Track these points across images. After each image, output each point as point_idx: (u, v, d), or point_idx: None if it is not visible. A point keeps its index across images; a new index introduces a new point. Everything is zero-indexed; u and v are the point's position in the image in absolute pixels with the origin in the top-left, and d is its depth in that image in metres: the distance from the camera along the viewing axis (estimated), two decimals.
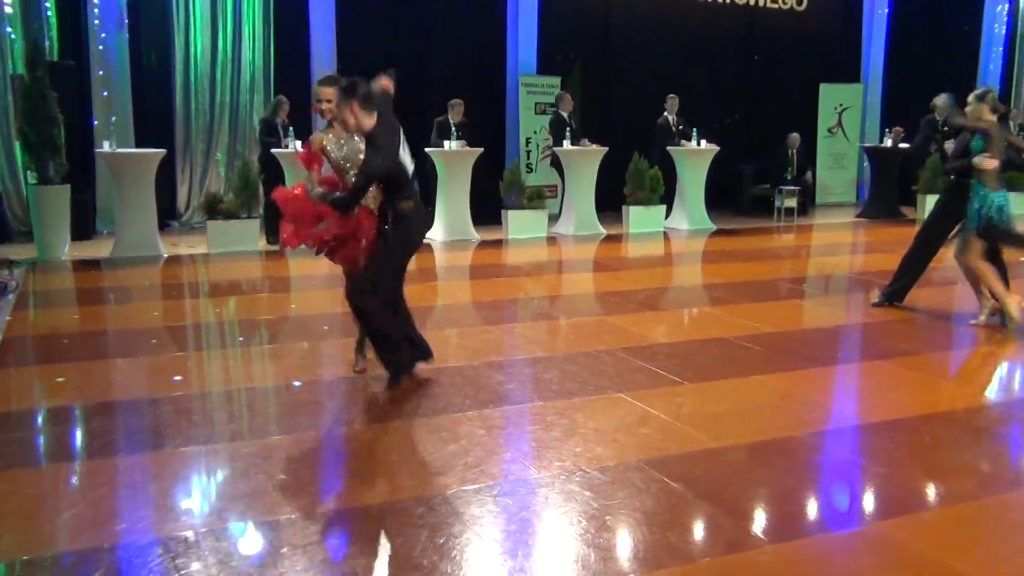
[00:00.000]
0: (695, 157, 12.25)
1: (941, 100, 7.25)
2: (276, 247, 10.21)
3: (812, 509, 3.54)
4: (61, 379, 5.15)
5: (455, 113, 11.18)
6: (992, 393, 5.19)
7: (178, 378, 5.15)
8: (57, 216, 9.36)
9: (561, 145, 11.61)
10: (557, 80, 13.34)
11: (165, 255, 9.57)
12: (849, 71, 16.08)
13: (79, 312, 7.13)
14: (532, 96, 13.31)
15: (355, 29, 12.08)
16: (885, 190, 13.89)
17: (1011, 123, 15.01)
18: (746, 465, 3.92)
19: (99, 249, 9.88)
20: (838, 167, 15.74)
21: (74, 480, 3.75)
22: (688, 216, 12.32)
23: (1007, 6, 16.66)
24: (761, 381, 5.14)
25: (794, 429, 4.35)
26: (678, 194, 12.47)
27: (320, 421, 4.52)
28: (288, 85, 11.71)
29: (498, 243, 10.85)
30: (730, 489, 3.64)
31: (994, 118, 6.22)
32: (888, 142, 13.87)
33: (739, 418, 4.52)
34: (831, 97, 15.57)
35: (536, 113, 13.32)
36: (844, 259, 10.31)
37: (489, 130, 12.78)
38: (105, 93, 11.01)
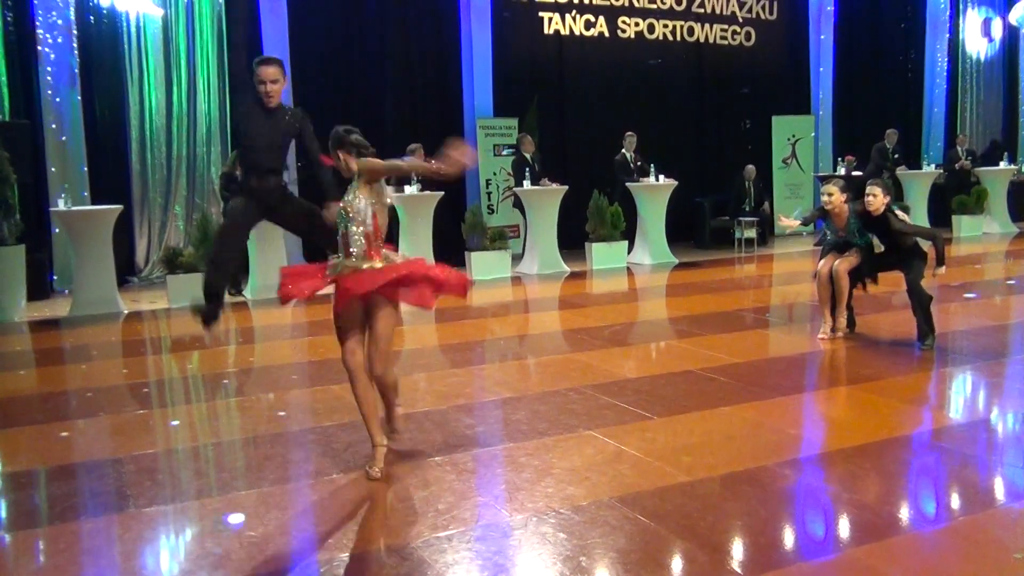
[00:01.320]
0: (654, 192, 12.38)
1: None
2: (238, 297, 10.13)
3: (787, 539, 3.53)
4: (19, 443, 5.03)
5: (415, 158, 11.16)
6: (955, 414, 5.25)
7: (142, 429, 5.05)
8: (12, 277, 9.21)
9: (522, 185, 11.68)
10: (514, 121, 13.47)
11: (125, 311, 9.44)
12: (800, 103, 16.42)
13: (37, 373, 6.99)
14: (490, 138, 13.42)
15: (310, 79, 12.13)
16: None
17: (959, 148, 15.40)
18: (719, 497, 3.91)
19: (57, 308, 9.73)
20: (794, 197, 15.98)
21: (35, 547, 3.64)
22: (650, 251, 12.41)
23: (947, 36, 17.16)
24: (730, 412, 5.15)
25: (765, 459, 4.35)
26: (639, 229, 12.58)
27: (288, 473, 4.45)
28: None
29: None
30: (704, 523, 3.62)
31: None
32: (841, 170, 14.14)
33: (710, 450, 4.52)
34: (784, 129, 15.86)
35: (495, 155, 13.42)
36: (805, 287, 10.40)
37: None
38: (57, 152, 10.92)
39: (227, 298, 10.01)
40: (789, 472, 4.24)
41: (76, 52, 10.95)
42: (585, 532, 3.56)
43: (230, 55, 11.32)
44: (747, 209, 13.88)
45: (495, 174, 13.42)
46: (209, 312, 5.53)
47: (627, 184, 12.45)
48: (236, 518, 3.83)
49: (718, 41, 15.49)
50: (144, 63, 11.52)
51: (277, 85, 5.15)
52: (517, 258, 12.12)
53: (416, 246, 10.92)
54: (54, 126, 10.87)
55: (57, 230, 10.63)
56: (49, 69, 10.85)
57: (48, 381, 6.66)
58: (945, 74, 17.15)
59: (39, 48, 10.77)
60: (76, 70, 10.96)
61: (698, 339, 7.20)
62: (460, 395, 5.76)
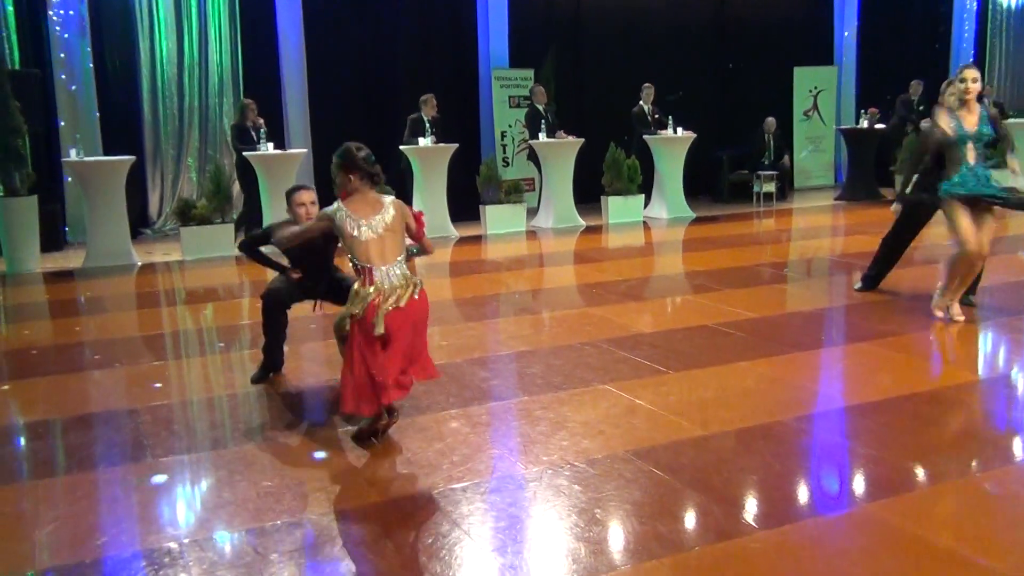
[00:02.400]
0: (672, 145, 12.27)
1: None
2: None
3: (801, 493, 3.56)
4: (36, 394, 5.11)
5: (428, 108, 11.14)
6: (974, 371, 5.24)
7: (157, 386, 5.11)
8: (26, 228, 9.28)
9: (537, 138, 11.60)
10: (530, 72, 13.33)
11: (139, 263, 9.50)
12: (822, 53, 16.17)
13: (52, 325, 7.07)
14: (505, 89, 13.30)
15: (323, 27, 12.04)
16: (863, 172, 13.98)
17: (985, 100, 15.16)
18: (734, 452, 3.93)
19: (71, 260, 9.80)
20: (816, 150, 15.81)
21: (53, 496, 3.72)
22: (667, 205, 12.35)
23: None
24: (746, 367, 5.16)
25: (780, 414, 4.37)
26: (656, 183, 12.50)
27: (303, 425, 4.50)
28: (257, 86, 11.68)
29: (477, 239, 10.84)
30: (719, 477, 3.65)
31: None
32: (864, 123, 13.96)
33: (725, 405, 4.54)
34: (805, 80, 15.64)
35: (510, 107, 13.32)
36: (825, 242, 10.37)
37: (463, 125, 12.77)
38: (70, 99, 10.91)
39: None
40: (804, 427, 4.26)
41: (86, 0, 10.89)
42: (600, 485, 3.60)
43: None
44: (766, 163, 13.76)
45: (510, 126, 13.33)
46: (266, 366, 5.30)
47: (644, 137, 12.34)
48: (252, 468, 3.89)
49: None
50: (155, 11, 11.44)
51: (315, 206, 4.95)
52: (532, 212, 12.08)
53: (431, 199, 10.91)
54: (63, 75, 10.85)
55: (69, 179, 10.66)
56: (58, 18, 10.78)
57: (63, 333, 6.73)
58: (974, 23, 16.81)
59: None
60: (86, 18, 10.90)
61: (715, 294, 7.19)
62: (475, 349, 5.79)
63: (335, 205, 4.20)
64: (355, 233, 4.10)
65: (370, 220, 4.12)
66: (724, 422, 4.28)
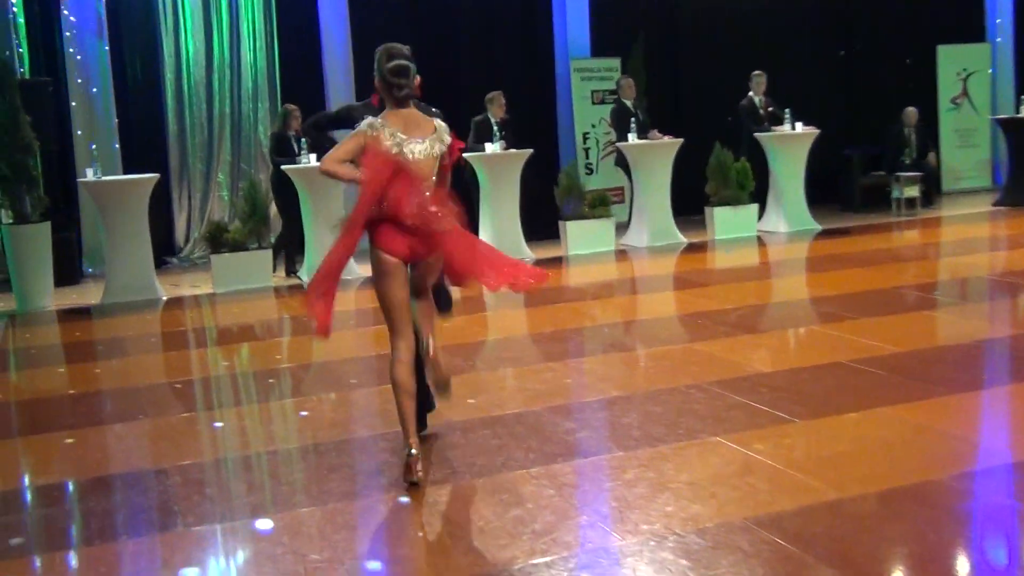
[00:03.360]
0: (790, 144, 12.14)
1: None
2: (292, 279, 10.34)
3: (961, 569, 3.46)
4: (50, 451, 5.26)
5: (496, 108, 11.24)
6: None
7: (189, 434, 5.23)
8: (37, 259, 9.57)
9: (626, 139, 11.61)
10: (616, 62, 13.36)
11: (164, 298, 9.74)
12: (972, 28, 15.84)
13: (68, 371, 7.29)
14: (587, 83, 13.35)
15: (372, 20, 12.23)
16: None
17: None
18: (877, 518, 3.84)
19: (87, 295, 10.11)
20: (967, 145, 15.47)
21: (71, 572, 3.81)
22: (786, 215, 12.20)
23: None
24: (888, 413, 5.05)
25: (933, 471, 4.26)
26: (772, 190, 12.37)
27: (356, 487, 4.54)
28: (297, 90, 11.90)
29: (556, 261, 10.85)
30: (859, 549, 3.57)
31: None
32: None
33: (864, 460, 4.44)
34: (952, 61, 15.33)
35: (593, 103, 13.35)
36: (982, 258, 10.10)
37: (538, 127, 12.84)
38: (86, 109, 11.29)
39: (279, 281, 10.26)
40: (963, 487, 4.13)
41: None
42: (713, 560, 3.54)
43: None
44: (907, 162, 13.51)
45: (594, 126, 13.37)
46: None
47: (756, 134, 12.24)
48: (297, 538, 3.93)
49: None
50: (180, 7, 11.81)
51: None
52: (622, 227, 12.06)
53: (500, 215, 10.97)
54: (79, 80, 11.23)
55: (86, 205, 10.99)
56: (72, 19, 11.16)
57: (80, 379, 6.92)
58: None
59: None
60: (103, 17, 11.29)
61: (848, 324, 7.06)
62: (557, 394, 5.77)
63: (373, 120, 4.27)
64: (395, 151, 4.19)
65: (415, 142, 4.26)
66: (864, 481, 4.19)
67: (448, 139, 4.41)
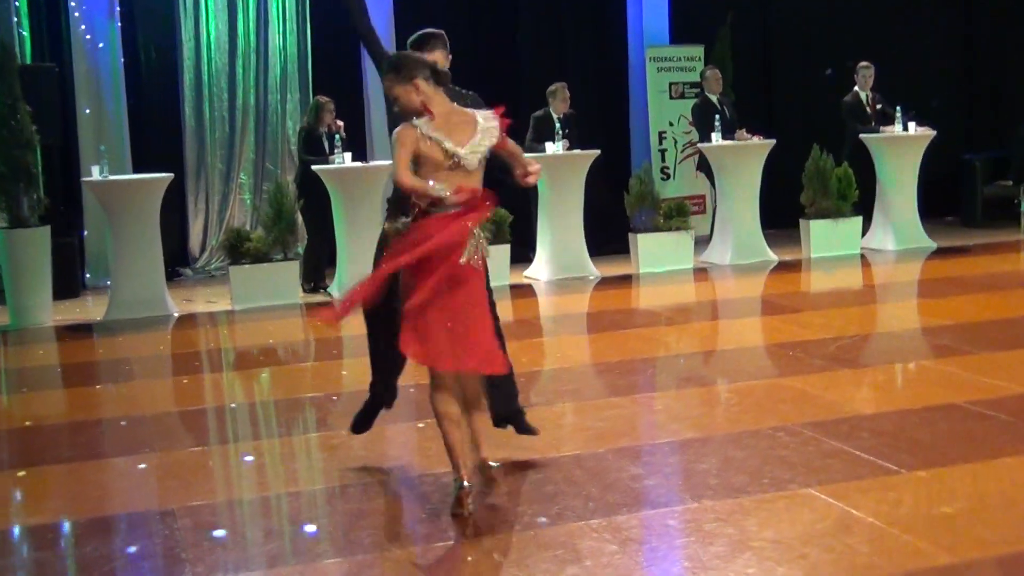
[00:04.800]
0: (901, 147, 12.04)
1: None
2: (320, 296, 10.42)
3: None
4: (44, 487, 5.33)
5: (558, 103, 11.27)
6: None
7: (200, 472, 5.27)
8: (35, 268, 9.70)
9: (709, 140, 11.58)
10: (699, 51, 13.36)
11: (176, 314, 9.85)
12: None
13: (67, 395, 7.40)
14: (665, 74, 13.35)
15: (419, 2, 12.29)
16: None
17: None
18: None
19: (90, 309, 10.25)
20: None
21: None
22: (895, 231, 12.09)
23: None
24: (1013, 465, 4.97)
25: None
26: (879, 200, 12.27)
27: (388, 537, 4.55)
28: (332, 81, 12.00)
29: (626, 280, 10.84)
30: None
31: None
32: None
33: (983, 520, 4.38)
34: None
35: (671, 97, 13.34)
36: None
37: (607, 125, 12.86)
38: (94, 100, 11.47)
39: (306, 297, 10.34)
40: None
41: None
42: None
43: None
44: None
45: (671, 124, 13.35)
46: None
47: (861, 136, 12.15)
48: None
49: None
50: None
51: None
52: (702, 242, 12.02)
53: (561, 225, 10.97)
54: (87, 67, 11.40)
55: (91, 207, 11.15)
56: (74, 4, 11.32)
57: (80, 406, 7.03)
58: None
59: None
60: None
61: (966, 359, 6.97)
62: (623, 434, 5.76)
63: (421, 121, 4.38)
64: (442, 159, 4.33)
65: (464, 143, 4.38)
66: (982, 544, 4.13)
67: (496, 132, 4.48)
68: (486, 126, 4.47)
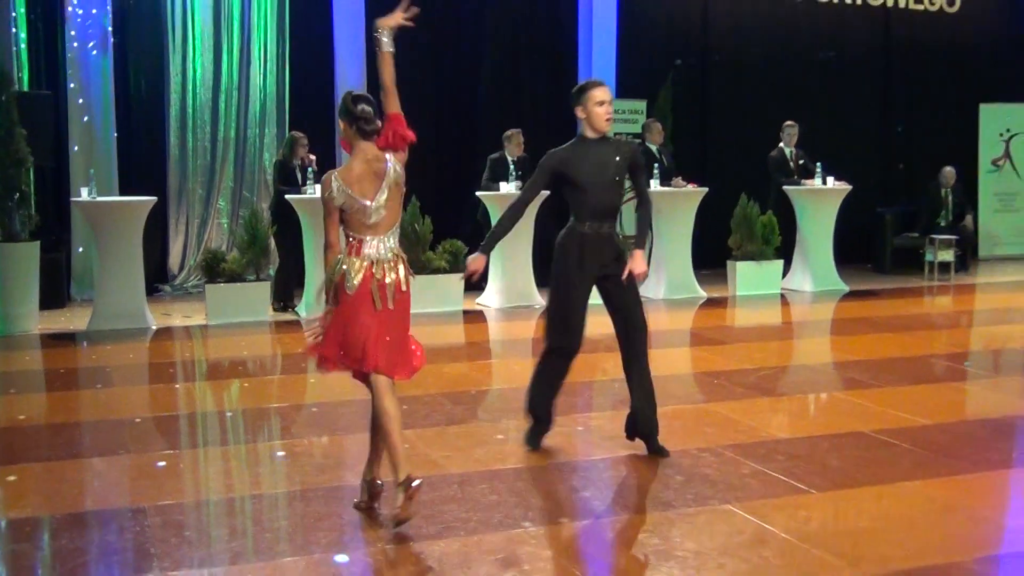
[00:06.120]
0: (820, 199, 12.17)
1: None
2: (288, 314, 10.36)
3: None
4: (23, 484, 5.25)
5: (513, 146, 11.31)
6: None
7: (170, 473, 5.21)
8: (24, 280, 9.60)
9: (649, 186, 11.63)
10: (642, 104, 13.45)
11: (154, 327, 9.76)
12: (1018, 87, 15.92)
13: (48, 399, 7.30)
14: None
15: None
16: None
17: None
18: None
19: (74, 320, 10.13)
20: (1007, 210, 15.48)
21: None
22: (812, 274, 12.20)
23: None
24: (912, 489, 5.02)
25: (958, 553, 4.23)
26: (799, 246, 12.38)
27: (343, 538, 4.52)
28: (307, 117, 11.98)
29: None
30: None
31: None
32: None
33: (884, 538, 4.41)
34: (995, 121, 15.40)
35: None
36: (1018, 329, 10.07)
37: None
38: (85, 127, 11.37)
39: (276, 316, 10.28)
40: (990, 572, 4.10)
41: (110, 9, 11.40)
42: None
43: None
44: (943, 224, 13.52)
45: None
46: (530, 434, 5.71)
47: (785, 187, 12.28)
48: None
49: (911, 5, 15.16)
50: (190, 25, 11.94)
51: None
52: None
53: (512, 259, 10.97)
54: (80, 100, 11.33)
55: (78, 226, 11.05)
56: (76, 32, 11.24)
57: (60, 409, 6.94)
58: None
59: (66, 2, 11.22)
60: (109, 32, 11.40)
61: (873, 392, 7.04)
62: (562, 450, 5.76)
63: (329, 178, 4.55)
64: (357, 211, 4.48)
65: (374, 198, 4.49)
66: (882, 560, 4.16)
67: (400, 169, 4.59)
68: (391, 173, 4.54)
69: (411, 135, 4.64)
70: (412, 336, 4.72)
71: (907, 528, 4.54)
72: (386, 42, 4.72)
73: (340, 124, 4.68)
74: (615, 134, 13.19)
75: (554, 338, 5.62)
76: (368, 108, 4.63)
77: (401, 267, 4.57)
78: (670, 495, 4.93)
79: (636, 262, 5.54)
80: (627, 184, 5.76)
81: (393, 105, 4.66)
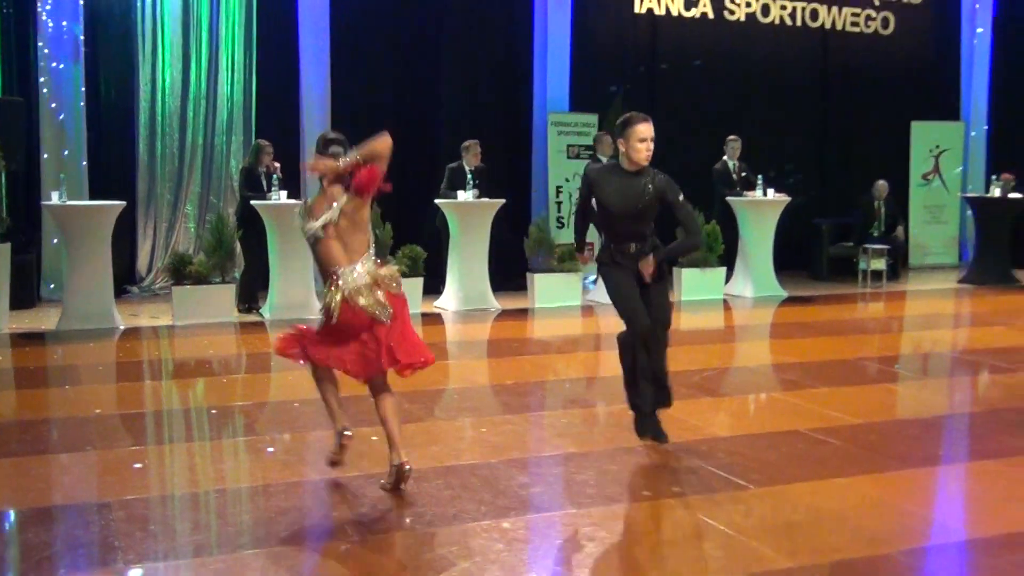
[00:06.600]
0: (761, 210, 12.28)
1: None
2: (254, 316, 10.29)
3: None
4: None
5: (471, 156, 11.31)
6: None
7: (136, 469, 5.16)
8: None
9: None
10: (594, 118, 13.49)
11: (122, 327, 9.65)
12: (947, 107, 16.16)
13: (16, 396, 7.19)
14: (564, 137, 13.45)
15: (353, 60, 12.29)
16: (993, 250, 13.81)
17: None
18: None
19: (43, 320, 10.00)
20: (936, 222, 15.69)
21: None
22: (753, 281, 12.30)
23: None
24: (844, 485, 5.07)
25: (886, 545, 4.27)
26: (740, 254, 12.47)
27: (303, 532, 4.50)
28: (272, 126, 11.91)
29: (522, 313, 10.87)
30: None
31: None
32: (996, 191, 13.85)
33: (818, 531, 4.46)
34: (925, 137, 15.61)
35: (569, 157, 13.44)
36: (945, 334, 10.23)
37: (512, 178, 12.91)
38: (56, 132, 11.24)
39: (241, 317, 10.20)
40: (916, 563, 4.16)
41: (81, 19, 11.28)
42: None
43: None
44: (876, 234, 13.68)
45: (568, 180, 13.44)
46: (637, 425, 5.76)
47: (727, 198, 12.38)
48: None
49: (848, 28, 15.32)
50: (160, 35, 11.82)
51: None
52: (590, 283, 12.11)
53: (469, 264, 10.99)
54: (53, 105, 11.19)
55: (49, 228, 10.91)
56: (48, 40, 11.11)
57: (28, 406, 6.84)
58: None
59: (39, 11, 11.09)
60: (81, 40, 11.27)
61: (808, 392, 7.11)
62: (513, 448, 5.77)
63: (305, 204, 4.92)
64: (313, 236, 4.77)
65: (318, 217, 4.75)
66: (816, 552, 4.20)
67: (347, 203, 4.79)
68: (341, 196, 4.78)
69: (367, 187, 4.82)
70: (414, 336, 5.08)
71: (839, 522, 4.58)
72: (343, 159, 4.85)
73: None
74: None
75: (628, 324, 5.74)
76: (339, 148, 4.88)
77: (380, 292, 4.77)
78: (617, 490, 4.95)
79: (644, 262, 5.68)
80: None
81: (371, 159, 4.83)
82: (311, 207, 4.79)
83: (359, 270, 4.74)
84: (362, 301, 4.70)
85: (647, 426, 5.70)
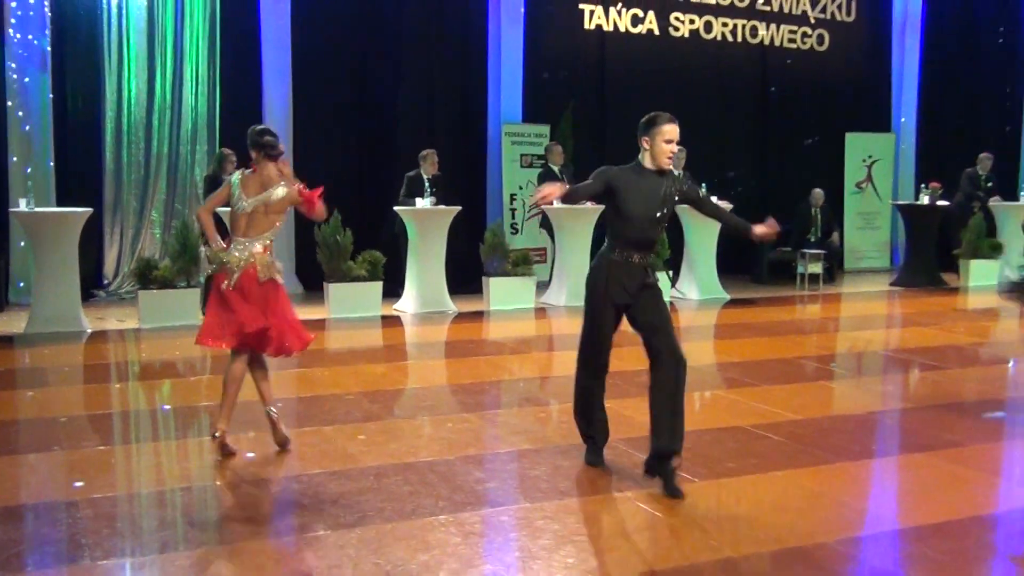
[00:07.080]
0: (705, 216, 12.31)
1: None
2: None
3: None
4: None
5: (428, 165, 11.29)
6: None
7: (102, 467, 5.09)
8: None
9: (551, 203, 11.69)
10: (546, 129, 13.53)
11: (89, 330, 9.52)
12: (878, 118, 16.40)
13: None
14: (517, 147, 13.48)
15: (314, 72, 12.25)
16: (922, 254, 14.03)
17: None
18: None
19: (11, 323, 9.84)
20: (869, 227, 15.92)
21: None
22: (697, 283, 12.39)
23: None
24: (784, 478, 5.12)
25: (823, 535, 4.32)
26: (686, 258, 12.56)
27: (266, 527, 4.46)
28: (236, 136, 11.73)
29: (478, 315, 10.86)
30: None
31: None
32: (925, 199, 14.06)
33: (759, 521, 4.49)
34: (859, 148, 15.83)
35: (522, 166, 13.47)
36: (878, 334, 10.36)
37: (467, 186, 12.90)
38: (23, 140, 11.06)
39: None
40: (851, 552, 4.20)
41: (48, 31, 11.11)
42: None
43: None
44: (813, 240, 13.83)
45: (521, 188, 13.47)
46: (589, 454, 5.33)
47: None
48: None
49: (785, 44, 15.51)
50: (125, 47, 11.67)
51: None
52: (543, 286, 12.13)
53: (427, 268, 10.96)
54: (20, 114, 11.01)
55: (16, 234, 10.75)
56: (15, 50, 10.93)
57: None
58: None
59: (5, 23, 10.92)
60: (48, 51, 11.11)
61: (750, 390, 7.16)
62: (470, 444, 5.75)
63: (238, 173, 5.45)
64: (236, 205, 5.30)
65: (252, 198, 5.29)
66: (757, 542, 4.23)
67: (282, 192, 5.37)
68: (277, 191, 5.34)
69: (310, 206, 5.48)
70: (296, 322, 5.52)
71: (779, 513, 4.63)
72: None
73: (252, 153, 5.44)
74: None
75: (585, 359, 5.51)
76: (271, 138, 5.45)
77: (255, 268, 5.25)
78: (568, 485, 4.96)
79: (759, 228, 5.59)
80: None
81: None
82: (245, 181, 5.34)
83: (252, 249, 5.25)
84: (236, 271, 5.21)
85: (598, 453, 5.32)
